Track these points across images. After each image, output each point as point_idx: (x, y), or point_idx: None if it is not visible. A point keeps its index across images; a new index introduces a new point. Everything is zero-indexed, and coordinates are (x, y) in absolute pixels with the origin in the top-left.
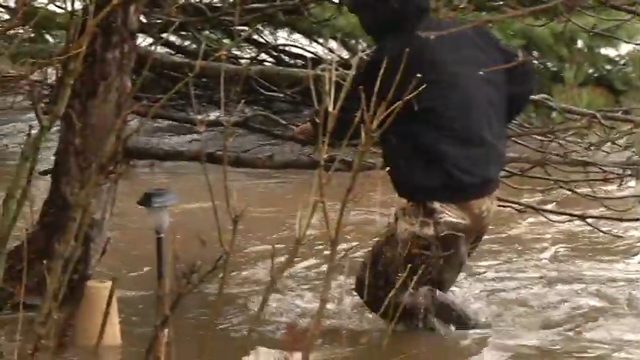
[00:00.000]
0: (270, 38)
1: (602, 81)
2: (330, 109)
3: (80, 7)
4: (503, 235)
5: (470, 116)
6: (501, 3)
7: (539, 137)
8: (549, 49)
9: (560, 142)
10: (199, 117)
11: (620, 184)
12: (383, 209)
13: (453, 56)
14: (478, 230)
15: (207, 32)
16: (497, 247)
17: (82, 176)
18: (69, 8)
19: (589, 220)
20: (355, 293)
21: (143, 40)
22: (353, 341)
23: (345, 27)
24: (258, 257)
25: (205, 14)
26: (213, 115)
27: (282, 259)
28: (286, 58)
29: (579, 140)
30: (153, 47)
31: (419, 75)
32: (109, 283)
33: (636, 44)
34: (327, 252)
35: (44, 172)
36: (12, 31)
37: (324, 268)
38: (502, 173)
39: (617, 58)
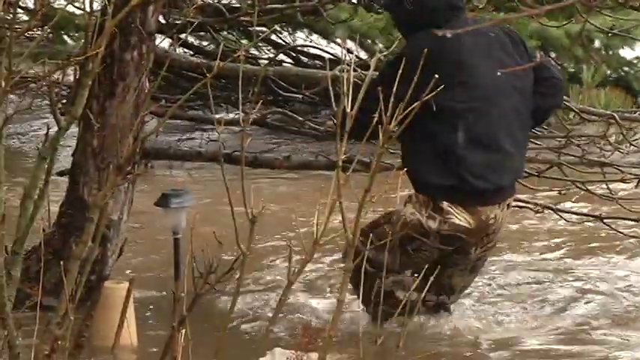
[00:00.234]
0: (288, 39)
1: (620, 82)
2: (348, 109)
3: (99, 8)
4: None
5: (491, 122)
6: (518, 0)
7: (557, 138)
8: (565, 50)
9: (579, 142)
10: (217, 117)
11: (638, 184)
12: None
13: (483, 60)
14: (482, 236)
15: (225, 33)
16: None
17: (99, 177)
18: (87, 9)
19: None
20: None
21: (161, 41)
22: (368, 342)
23: (360, 28)
24: (267, 255)
25: (224, 15)
26: (231, 116)
27: (294, 258)
28: (305, 59)
29: (597, 142)
30: (171, 48)
31: (439, 74)
32: (126, 284)
33: None
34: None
35: (62, 173)
36: (31, 32)
37: (331, 267)
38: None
39: (635, 60)
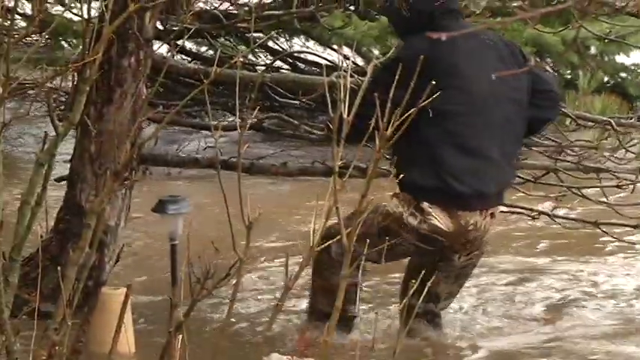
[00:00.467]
0: (285, 45)
1: (616, 88)
2: (345, 116)
3: (96, 14)
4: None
5: (479, 129)
6: (515, 6)
7: (553, 145)
8: (560, 56)
9: (574, 149)
10: (214, 123)
11: (633, 191)
12: None
13: (477, 67)
14: (462, 241)
15: (222, 39)
16: None
17: (97, 183)
18: (85, 16)
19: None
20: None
21: (159, 47)
22: (365, 347)
23: (354, 36)
24: (265, 257)
25: (221, 21)
26: (228, 122)
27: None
28: (302, 65)
29: (593, 149)
30: (169, 54)
31: (433, 78)
32: (123, 290)
33: None
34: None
35: (60, 179)
36: (29, 39)
37: None
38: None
39: (632, 67)
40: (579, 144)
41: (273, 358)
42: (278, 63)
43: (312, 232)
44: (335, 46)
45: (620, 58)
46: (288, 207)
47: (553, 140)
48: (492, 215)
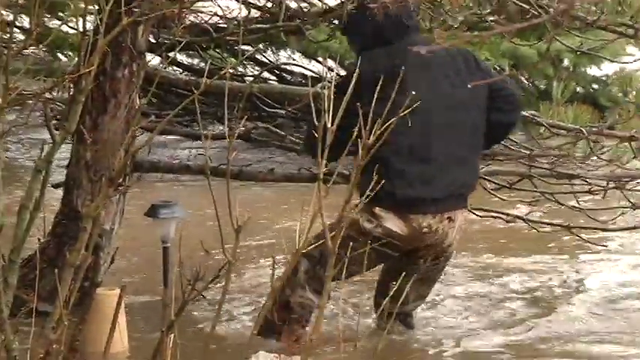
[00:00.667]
0: (272, 57)
1: (587, 98)
2: (329, 124)
3: (91, 27)
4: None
5: (428, 135)
6: (491, 20)
7: (527, 152)
8: (535, 68)
9: (548, 156)
10: (204, 132)
11: (604, 196)
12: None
13: (425, 74)
14: (421, 245)
15: (212, 51)
16: None
17: (92, 189)
18: (80, 29)
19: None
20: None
21: (151, 59)
22: (349, 345)
23: (338, 49)
24: (246, 261)
25: (211, 35)
26: (217, 130)
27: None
28: (288, 77)
29: (565, 156)
30: (161, 66)
31: (387, 89)
32: (117, 290)
33: (622, 63)
34: None
35: (57, 185)
36: (27, 51)
37: None
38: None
39: (604, 78)
40: (553, 152)
41: (260, 356)
42: (265, 74)
43: (297, 237)
44: (320, 59)
45: (592, 70)
46: (274, 208)
47: (527, 148)
48: (450, 219)
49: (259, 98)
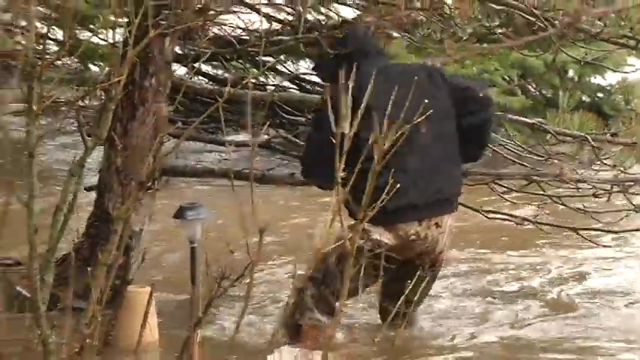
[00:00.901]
0: (292, 67)
1: (592, 107)
2: (347, 131)
3: (121, 39)
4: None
5: (402, 149)
6: (500, 33)
7: (536, 157)
8: (542, 78)
9: (555, 161)
10: (228, 139)
11: (609, 199)
12: None
13: (390, 91)
14: (412, 253)
15: (235, 62)
16: None
17: (123, 192)
18: (110, 41)
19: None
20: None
21: (178, 69)
22: (367, 339)
23: None
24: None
25: (234, 46)
26: (241, 137)
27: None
28: (307, 86)
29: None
30: (187, 76)
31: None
32: (147, 288)
33: (624, 72)
34: None
35: (89, 188)
36: (60, 61)
37: None
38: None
39: (608, 87)
40: (560, 157)
41: (284, 351)
42: (286, 83)
43: (317, 238)
44: None
45: (596, 80)
46: (293, 210)
47: (536, 154)
48: (437, 225)
49: (280, 106)
